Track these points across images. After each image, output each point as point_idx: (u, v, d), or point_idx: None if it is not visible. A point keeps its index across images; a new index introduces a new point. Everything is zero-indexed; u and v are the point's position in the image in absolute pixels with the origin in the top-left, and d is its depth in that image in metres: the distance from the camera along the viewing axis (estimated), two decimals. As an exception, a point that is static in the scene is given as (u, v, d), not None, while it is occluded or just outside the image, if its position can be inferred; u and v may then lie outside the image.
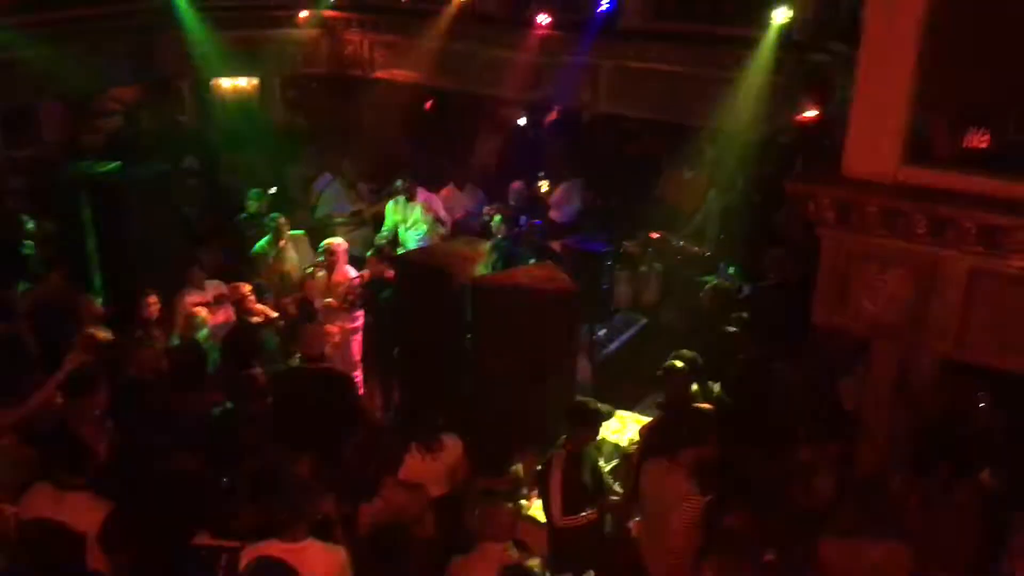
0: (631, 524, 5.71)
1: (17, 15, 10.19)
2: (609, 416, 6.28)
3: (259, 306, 7.73)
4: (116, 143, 11.54)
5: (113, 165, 8.37)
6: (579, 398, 5.97)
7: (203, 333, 7.23)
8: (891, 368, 5.05)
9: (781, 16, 8.82)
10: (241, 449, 5.28)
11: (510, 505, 4.82)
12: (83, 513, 4.56)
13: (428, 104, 13.07)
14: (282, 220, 8.93)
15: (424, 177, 10.21)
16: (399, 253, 8.53)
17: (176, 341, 7.19)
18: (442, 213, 9.84)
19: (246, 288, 7.75)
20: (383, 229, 9.81)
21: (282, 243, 8.82)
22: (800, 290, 5.80)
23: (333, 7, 12.19)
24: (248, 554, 4.30)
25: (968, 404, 6.54)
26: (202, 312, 7.36)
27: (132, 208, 7.98)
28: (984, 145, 4.97)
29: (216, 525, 4.47)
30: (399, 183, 9.76)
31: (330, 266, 8.27)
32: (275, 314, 7.72)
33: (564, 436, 5.58)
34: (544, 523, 5.69)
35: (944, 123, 4.94)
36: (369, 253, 8.56)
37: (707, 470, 5.03)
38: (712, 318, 7.28)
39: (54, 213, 8.74)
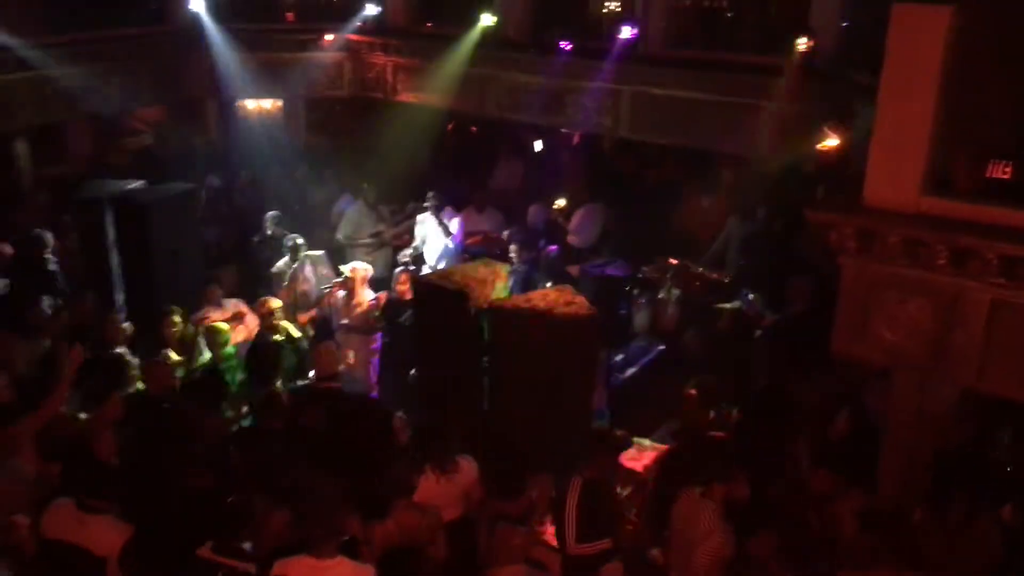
0: (655, 552, 5.66)
1: (47, 35, 10.41)
2: (628, 445, 6.24)
3: (283, 323, 7.76)
4: (142, 162, 11.69)
5: (137, 184, 8.48)
6: (598, 425, 5.95)
7: (229, 350, 7.26)
8: (911, 398, 5.00)
9: (803, 44, 8.84)
10: (269, 466, 5.31)
11: (523, 529, 4.78)
12: (104, 537, 4.59)
13: (450, 127, 13.18)
14: (300, 241, 8.99)
15: (446, 200, 10.24)
16: (419, 275, 8.56)
17: (200, 359, 7.24)
18: (454, 234, 9.81)
19: (274, 304, 7.78)
20: (413, 244, 9.86)
21: (299, 264, 8.87)
22: (821, 318, 5.76)
23: (357, 31, 12.34)
24: (279, 568, 4.33)
25: (991, 435, 6.52)
26: (224, 325, 7.39)
27: (155, 226, 8.06)
28: (1007, 176, 4.95)
29: (227, 544, 4.48)
30: (430, 198, 9.80)
31: (350, 288, 8.31)
32: (298, 333, 7.75)
33: (582, 463, 5.56)
34: (557, 549, 5.65)
35: (966, 154, 4.92)
36: (398, 270, 8.60)
37: (737, 507, 5.00)
38: (730, 344, 7.24)
39: (78, 230, 8.85)
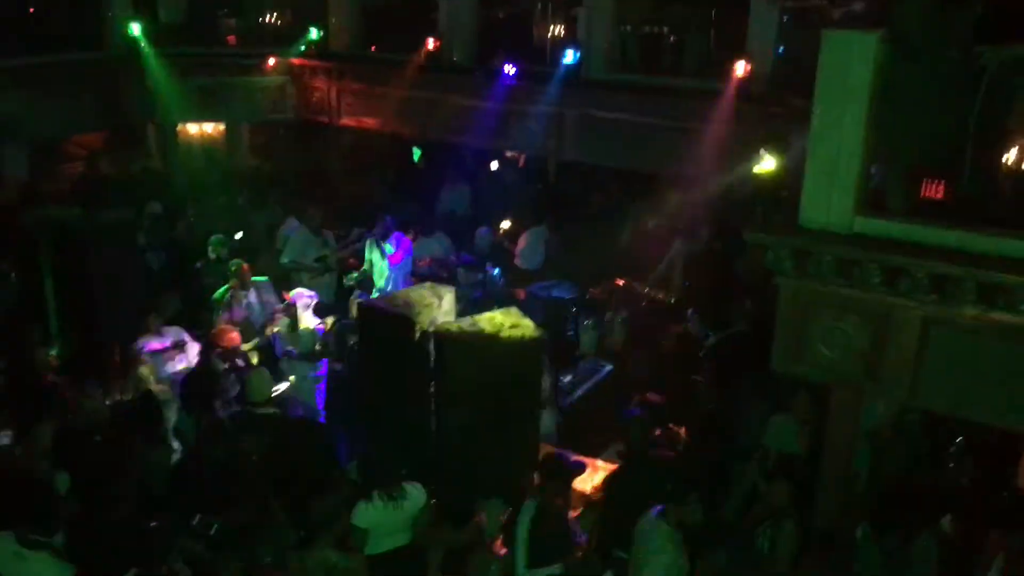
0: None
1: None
2: (581, 471, 6.23)
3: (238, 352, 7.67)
4: (80, 189, 11.45)
5: (75, 211, 8.30)
6: (552, 451, 5.95)
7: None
8: (850, 416, 5.09)
9: (741, 70, 9.05)
10: (219, 497, 5.22)
11: (499, 558, 4.76)
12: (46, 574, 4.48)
13: (397, 152, 13.18)
14: (244, 267, 8.87)
15: (393, 224, 10.19)
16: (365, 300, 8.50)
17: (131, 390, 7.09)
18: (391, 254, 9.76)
19: (235, 336, 7.69)
20: (361, 269, 9.79)
21: (241, 289, 8.74)
22: (762, 337, 5.87)
23: (300, 55, 12.30)
24: None
25: (939, 453, 6.69)
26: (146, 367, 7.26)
27: (93, 254, 7.89)
28: (939, 196, 5.10)
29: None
30: (378, 223, 9.74)
31: (292, 315, 8.22)
32: (253, 361, 7.64)
33: (534, 487, 5.56)
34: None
35: (898, 175, 5.06)
36: (354, 295, 8.52)
37: (690, 530, 5.05)
38: (676, 365, 7.32)
39: (14, 258, 8.62)
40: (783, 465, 5.78)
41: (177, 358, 7.72)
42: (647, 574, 5.03)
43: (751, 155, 8.24)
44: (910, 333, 4.70)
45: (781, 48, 9.43)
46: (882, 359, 4.78)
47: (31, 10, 13.12)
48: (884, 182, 5.08)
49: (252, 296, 8.81)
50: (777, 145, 7.77)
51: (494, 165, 12.75)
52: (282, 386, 7.45)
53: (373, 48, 12.70)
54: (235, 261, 8.93)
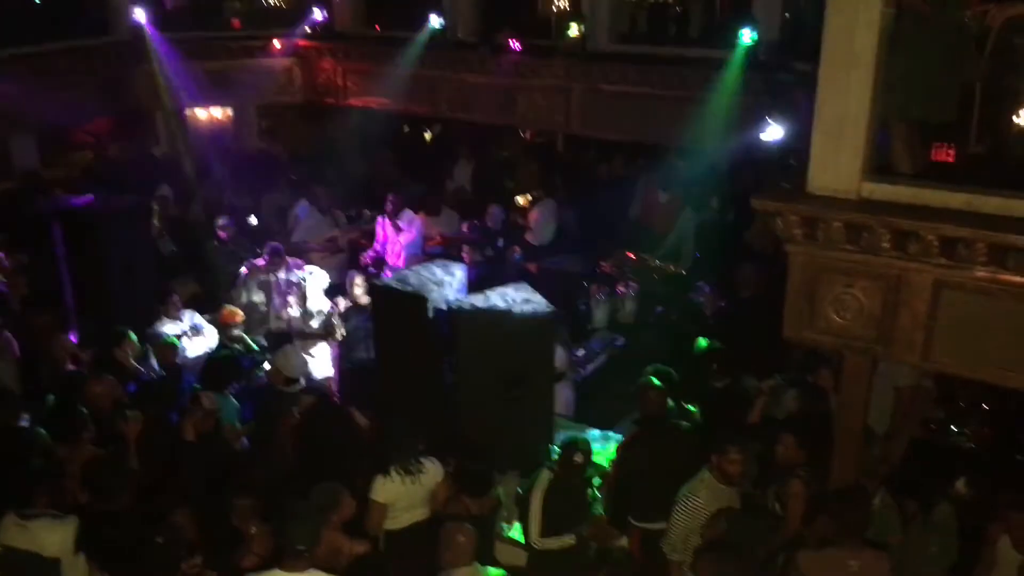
0: (623, 542, 5.75)
1: (-14, 50, 10.23)
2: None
3: (242, 334, 7.73)
4: (90, 175, 11.51)
5: (85, 197, 8.36)
6: (573, 432, 6.01)
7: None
8: (863, 381, 5.11)
9: (747, 37, 8.98)
10: (243, 478, 5.34)
11: (467, 527, 4.81)
12: (49, 538, 4.61)
13: (406, 130, 13.17)
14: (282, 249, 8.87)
15: (403, 202, 10.21)
16: (375, 279, 8.54)
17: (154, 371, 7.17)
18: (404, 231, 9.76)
19: (236, 315, 7.77)
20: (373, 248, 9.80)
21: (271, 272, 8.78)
22: (771, 304, 5.89)
23: (305, 36, 12.27)
24: None
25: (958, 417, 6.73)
26: (176, 340, 7.35)
27: (104, 240, 7.96)
28: (950, 159, 5.08)
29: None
30: (388, 201, 9.74)
31: (302, 295, 8.28)
32: (255, 347, 7.71)
33: (553, 459, 5.62)
34: (523, 545, 5.70)
35: (905, 138, 5.03)
36: (351, 273, 8.57)
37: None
38: (685, 336, 7.34)
39: (26, 246, 8.69)
40: (789, 422, 5.83)
41: (195, 341, 7.79)
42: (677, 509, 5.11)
43: (759, 123, 8.21)
44: (921, 296, 4.69)
45: (787, 14, 9.36)
46: (894, 323, 4.77)
47: (35, -1, 13.18)
48: (891, 146, 5.06)
49: (279, 276, 8.78)
50: (784, 112, 7.73)
51: (502, 141, 12.71)
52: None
53: (377, 27, 12.68)
54: (273, 243, 8.93)
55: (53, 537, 4.62)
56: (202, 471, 5.54)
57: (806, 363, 6.55)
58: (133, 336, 7.10)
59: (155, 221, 9.82)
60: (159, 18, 11.76)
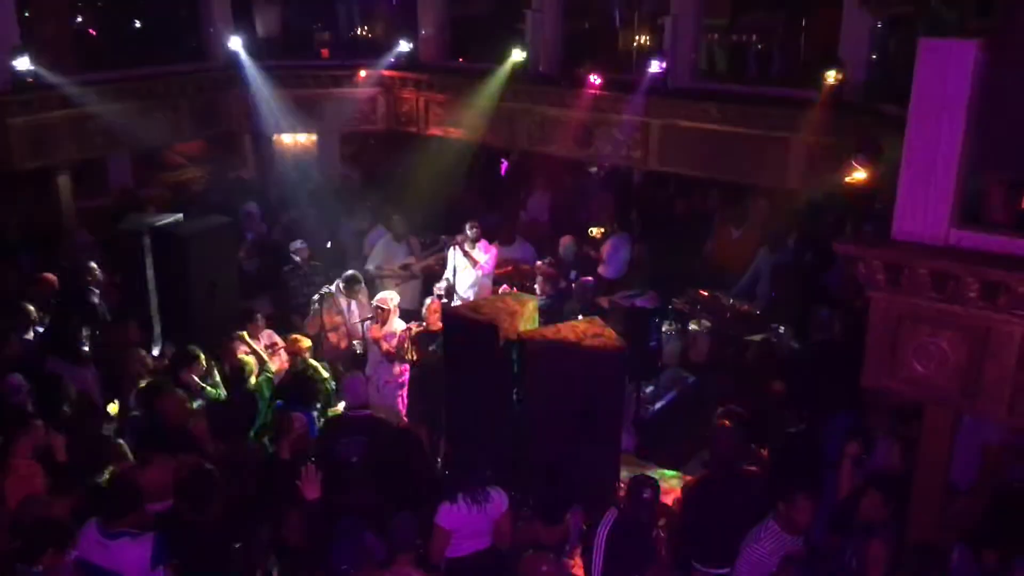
0: None
1: (89, 72, 10.75)
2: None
3: (311, 361, 7.89)
4: (181, 195, 11.96)
5: (175, 217, 8.67)
6: (642, 475, 5.95)
7: (258, 381, 7.38)
8: (943, 433, 4.95)
9: (832, 77, 8.87)
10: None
11: (551, 556, 4.79)
12: (128, 557, 4.75)
13: (483, 160, 13.32)
14: (358, 276, 9.05)
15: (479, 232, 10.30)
16: (448, 307, 8.63)
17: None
18: (482, 264, 9.83)
19: (305, 344, 7.96)
20: (445, 276, 9.91)
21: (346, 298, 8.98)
22: (846, 350, 5.76)
23: (390, 67, 12.58)
24: None
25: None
26: (250, 359, 7.54)
27: (193, 259, 8.22)
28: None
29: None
30: (469, 229, 9.85)
31: (381, 319, 8.41)
32: (326, 373, 7.85)
33: (615, 496, 5.57)
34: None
35: (1000, 185, 4.90)
36: (428, 300, 8.68)
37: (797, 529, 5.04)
38: (757, 378, 7.21)
39: (119, 263, 9.05)
40: (876, 478, 5.65)
41: (271, 360, 7.97)
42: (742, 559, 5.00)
43: (841, 165, 8.06)
44: (1010, 349, 4.54)
45: (874, 55, 9.21)
46: (979, 376, 4.63)
47: (137, 24, 13.83)
48: (982, 193, 4.92)
49: (343, 302, 9.01)
50: (870, 155, 7.58)
51: (579, 174, 12.76)
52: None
53: (461, 59, 12.92)
54: (350, 271, 9.13)
55: (132, 556, 4.74)
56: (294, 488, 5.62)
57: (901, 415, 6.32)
58: (202, 356, 7.30)
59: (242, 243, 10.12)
60: (253, 46, 12.22)
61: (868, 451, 6.02)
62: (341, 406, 7.18)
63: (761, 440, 6.30)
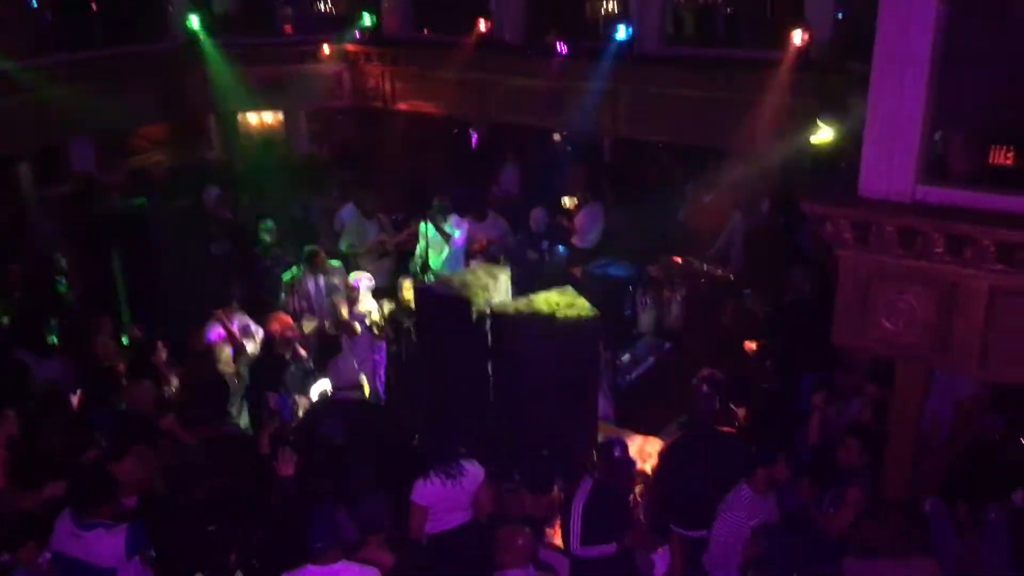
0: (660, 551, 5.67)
1: (43, 56, 10.51)
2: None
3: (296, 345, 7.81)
4: (145, 179, 11.75)
5: (139, 201, 8.54)
6: (612, 436, 5.95)
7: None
8: (915, 389, 4.97)
9: (798, 38, 8.82)
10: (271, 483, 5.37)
11: (526, 530, 4.79)
12: (103, 549, 4.69)
13: (454, 134, 13.21)
14: (319, 253, 8.90)
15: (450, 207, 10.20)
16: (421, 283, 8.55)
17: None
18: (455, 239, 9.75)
19: (287, 322, 7.85)
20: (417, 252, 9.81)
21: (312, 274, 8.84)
22: (819, 309, 5.76)
23: (354, 41, 12.39)
24: None
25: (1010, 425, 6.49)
26: (226, 348, 7.45)
27: (158, 242, 8.11)
28: (1009, 162, 4.91)
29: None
30: (436, 203, 9.74)
31: (352, 299, 8.32)
32: (304, 353, 7.76)
33: (592, 465, 5.57)
34: (564, 552, 5.65)
35: (963, 140, 4.89)
36: (402, 277, 8.59)
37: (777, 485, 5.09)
38: (734, 341, 7.23)
39: (83, 249, 8.91)
40: (852, 427, 5.69)
41: (245, 342, 7.88)
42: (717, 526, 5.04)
43: (810, 125, 8.05)
44: (977, 304, 4.55)
45: (840, 13, 9.17)
46: (949, 332, 4.64)
47: (94, 6, 13.51)
48: (947, 148, 4.91)
49: (319, 281, 8.87)
50: (836, 113, 7.56)
51: (548, 144, 12.67)
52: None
53: (425, 31, 12.75)
54: (309, 247, 9.01)
55: (107, 547, 4.69)
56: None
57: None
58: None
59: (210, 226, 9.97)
60: (213, 24, 11.98)
61: (842, 406, 6.07)
62: (319, 386, 7.13)
63: (738, 400, 6.31)
